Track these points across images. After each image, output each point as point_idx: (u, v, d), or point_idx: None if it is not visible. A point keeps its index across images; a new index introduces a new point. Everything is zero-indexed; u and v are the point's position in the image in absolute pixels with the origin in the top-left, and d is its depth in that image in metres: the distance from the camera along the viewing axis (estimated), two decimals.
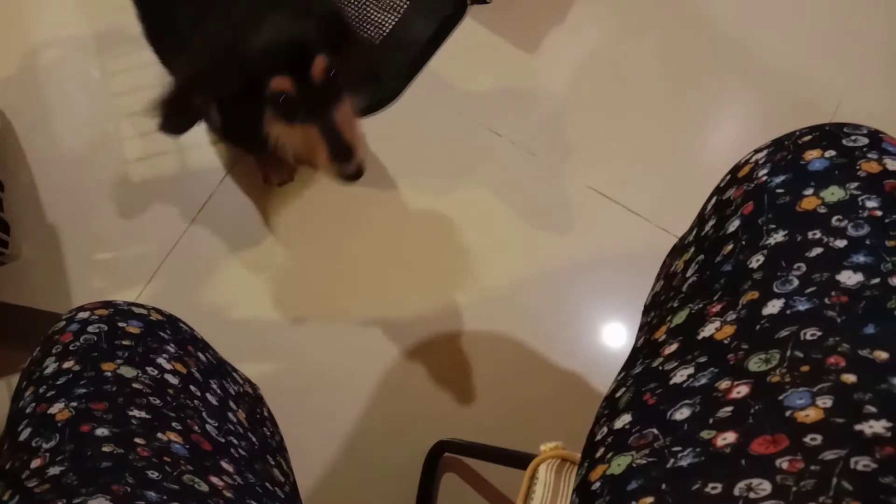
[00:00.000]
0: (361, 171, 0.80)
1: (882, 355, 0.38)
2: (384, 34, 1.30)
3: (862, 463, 0.34)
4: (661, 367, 0.47)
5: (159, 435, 0.52)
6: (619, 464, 0.43)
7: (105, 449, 0.49)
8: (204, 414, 0.58)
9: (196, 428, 0.56)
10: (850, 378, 0.38)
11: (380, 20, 1.31)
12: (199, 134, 1.28)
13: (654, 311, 0.55)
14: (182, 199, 1.24)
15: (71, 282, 1.20)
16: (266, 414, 0.73)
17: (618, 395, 0.49)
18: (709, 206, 0.55)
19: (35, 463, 0.49)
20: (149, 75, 1.32)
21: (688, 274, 0.52)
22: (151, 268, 1.20)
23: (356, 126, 0.82)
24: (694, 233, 0.56)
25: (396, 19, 1.31)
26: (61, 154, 1.28)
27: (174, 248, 1.21)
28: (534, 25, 1.31)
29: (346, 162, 0.79)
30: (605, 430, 0.48)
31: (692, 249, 0.54)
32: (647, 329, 0.54)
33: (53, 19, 1.37)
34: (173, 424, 0.54)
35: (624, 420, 0.46)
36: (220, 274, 1.20)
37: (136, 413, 0.53)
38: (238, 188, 1.24)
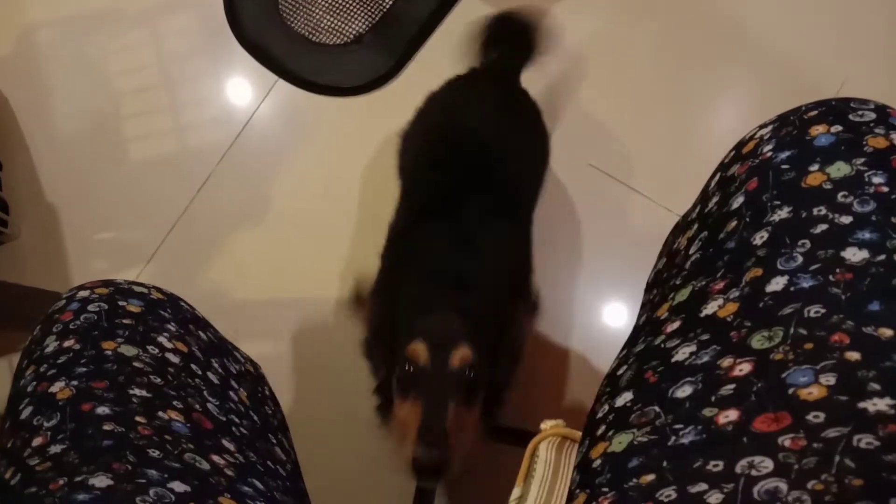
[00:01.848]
0: (440, 469, 0.69)
1: (887, 333, 0.38)
2: (384, 10, 1.29)
3: (865, 441, 0.34)
4: (662, 345, 0.47)
5: (160, 413, 0.52)
6: (620, 441, 0.43)
7: (106, 427, 0.49)
8: (205, 392, 0.58)
9: (197, 406, 0.56)
10: (853, 356, 0.38)
11: None
12: (196, 112, 1.28)
13: (657, 289, 0.55)
14: (181, 178, 1.23)
15: (70, 262, 1.20)
16: (267, 393, 0.73)
17: (619, 372, 0.49)
18: (712, 183, 0.55)
19: (36, 441, 0.49)
20: (146, 55, 1.31)
21: (691, 251, 0.52)
22: (151, 247, 1.20)
23: (468, 434, 0.73)
24: (697, 210, 0.55)
25: None
26: (60, 134, 1.27)
27: (174, 228, 1.20)
28: (535, 3, 1.29)
29: (429, 446, 0.68)
30: (606, 407, 0.47)
31: (695, 226, 0.53)
32: (649, 307, 0.54)
33: None
34: (174, 403, 0.54)
35: (625, 398, 0.46)
36: (221, 253, 1.19)
37: (136, 392, 0.53)
38: (238, 167, 1.23)
